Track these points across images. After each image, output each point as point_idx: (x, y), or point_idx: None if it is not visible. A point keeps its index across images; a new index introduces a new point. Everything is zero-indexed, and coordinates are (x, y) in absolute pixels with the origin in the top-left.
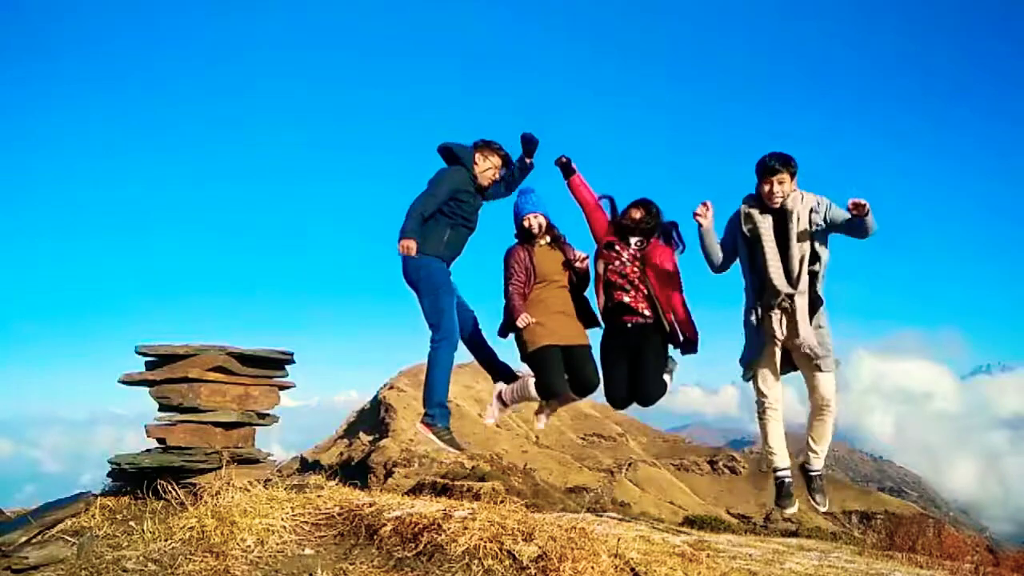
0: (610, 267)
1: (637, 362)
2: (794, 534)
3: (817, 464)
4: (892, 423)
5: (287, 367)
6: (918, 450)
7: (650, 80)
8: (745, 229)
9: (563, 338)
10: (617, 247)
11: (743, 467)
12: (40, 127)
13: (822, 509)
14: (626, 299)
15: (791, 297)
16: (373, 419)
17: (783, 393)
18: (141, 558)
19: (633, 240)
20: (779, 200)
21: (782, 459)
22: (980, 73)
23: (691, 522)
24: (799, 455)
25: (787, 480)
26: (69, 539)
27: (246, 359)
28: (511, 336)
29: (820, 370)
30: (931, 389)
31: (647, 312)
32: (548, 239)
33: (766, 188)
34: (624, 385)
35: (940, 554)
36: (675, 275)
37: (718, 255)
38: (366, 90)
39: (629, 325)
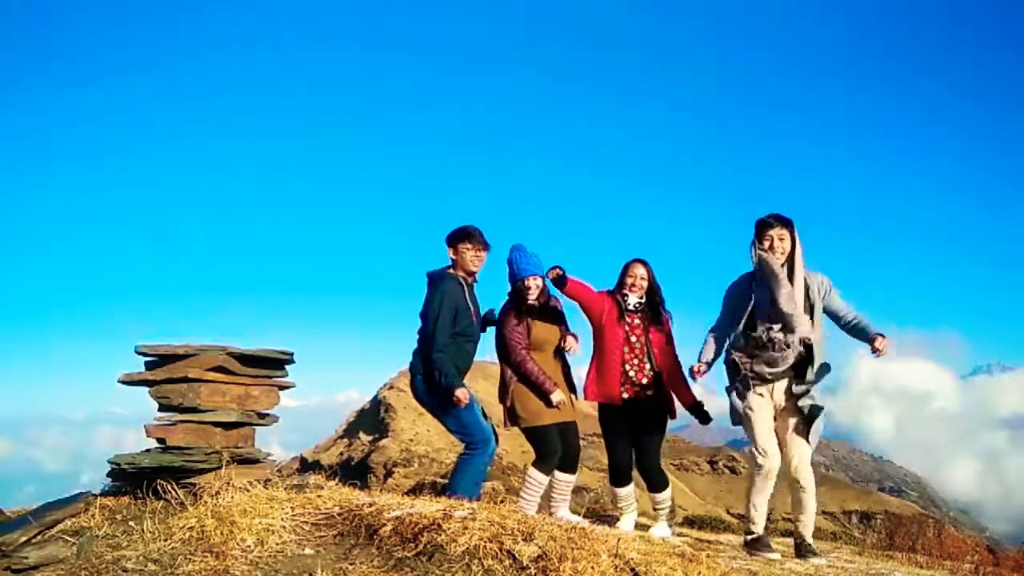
0: (628, 338)
1: (637, 440)
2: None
3: (805, 534)
4: (892, 423)
5: (287, 367)
6: (918, 450)
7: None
8: (755, 257)
9: (557, 416)
10: (627, 317)
11: (743, 467)
12: (37, 125)
13: (823, 560)
14: (631, 372)
15: (790, 331)
16: (373, 419)
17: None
18: (141, 558)
19: (632, 300)
20: (781, 257)
21: (760, 526)
22: (981, 72)
23: (691, 522)
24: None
25: (761, 536)
26: (69, 539)
27: (246, 359)
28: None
29: (797, 431)
30: (931, 389)
31: (644, 381)
32: (540, 303)
33: (766, 244)
34: (628, 454)
35: (940, 554)
36: (672, 346)
37: (717, 346)
38: (366, 88)
39: (625, 396)
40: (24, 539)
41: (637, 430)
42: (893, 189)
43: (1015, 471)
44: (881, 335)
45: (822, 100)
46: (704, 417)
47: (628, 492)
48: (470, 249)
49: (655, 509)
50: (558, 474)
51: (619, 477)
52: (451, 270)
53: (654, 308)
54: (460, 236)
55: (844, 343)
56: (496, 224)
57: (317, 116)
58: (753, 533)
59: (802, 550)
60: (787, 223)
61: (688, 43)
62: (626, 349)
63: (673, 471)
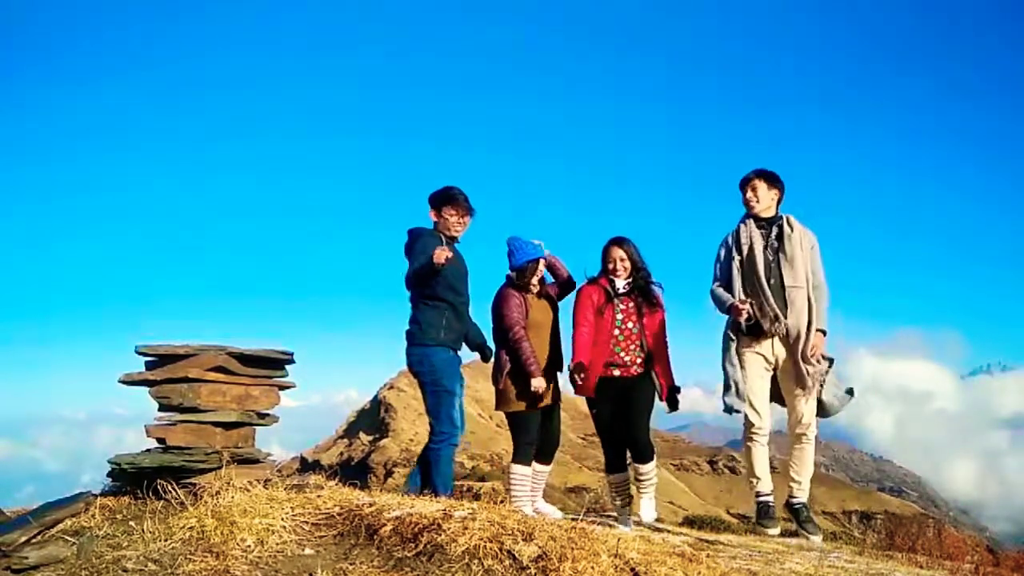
0: (622, 323)
1: (626, 412)
2: (794, 534)
3: (801, 496)
4: (892, 423)
5: (287, 367)
6: (918, 450)
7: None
8: (731, 241)
9: (540, 402)
10: (615, 300)
11: (743, 467)
12: (38, 124)
13: (816, 538)
14: (625, 357)
15: (785, 314)
16: (373, 419)
17: (771, 419)
18: (141, 558)
19: (620, 283)
20: (755, 206)
21: (766, 485)
22: (982, 72)
23: (691, 522)
24: (785, 487)
25: (770, 503)
26: (69, 539)
27: (246, 359)
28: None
29: (802, 392)
30: (931, 389)
31: (638, 362)
32: (538, 288)
33: (744, 197)
34: (618, 436)
35: (940, 554)
36: (663, 327)
37: (727, 297)
38: (366, 88)
39: (616, 373)
40: (24, 539)
41: (625, 405)
42: (893, 188)
43: (1015, 471)
44: (821, 332)
45: (823, 98)
46: (675, 404)
47: (622, 479)
48: (454, 215)
49: (638, 480)
50: (535, 464)
51: (611, 460)
52: (433, 230)
53: (644, 288)
54: (444, 199)
55: (845, 343)
56: (497, 223)
57: (317, 116)
58: (762, 495)
59: (801, 518)
60: (763, 173)
61: (689, 41)
62: (618, 333)
63: (673, 471)
